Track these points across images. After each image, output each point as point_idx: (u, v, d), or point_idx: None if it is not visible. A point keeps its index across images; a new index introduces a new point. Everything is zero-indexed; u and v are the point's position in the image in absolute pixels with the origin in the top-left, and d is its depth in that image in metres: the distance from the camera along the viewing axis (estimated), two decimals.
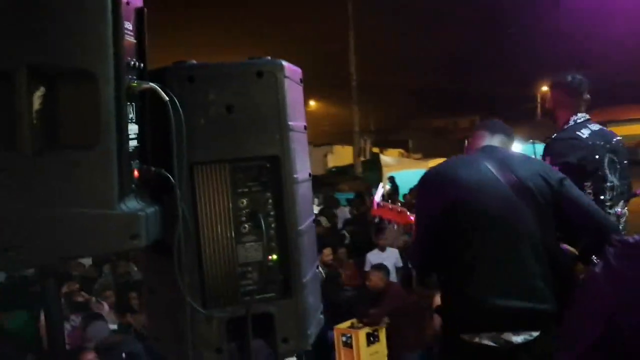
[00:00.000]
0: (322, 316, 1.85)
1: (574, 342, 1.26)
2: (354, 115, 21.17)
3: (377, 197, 2.95)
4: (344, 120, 25.87)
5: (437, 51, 30.26)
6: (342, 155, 24.60)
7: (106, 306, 5.82)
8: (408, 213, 2.88)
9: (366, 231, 9.69)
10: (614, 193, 3.23)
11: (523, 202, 2.33)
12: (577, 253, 2.45)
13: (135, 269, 7.06)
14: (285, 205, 1.66)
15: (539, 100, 30.77)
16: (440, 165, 2.62)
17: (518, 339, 2.29)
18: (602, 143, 3.26)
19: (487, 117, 2.89)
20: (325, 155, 24.65)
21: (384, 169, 17.55)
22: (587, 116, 3.38)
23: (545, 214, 2.36)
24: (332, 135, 27.23)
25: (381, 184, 3.08)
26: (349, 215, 11.74)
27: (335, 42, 23.04)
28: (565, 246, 2.49)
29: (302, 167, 1.76)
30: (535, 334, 2.29)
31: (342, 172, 20.60)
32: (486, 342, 2.29)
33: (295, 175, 1.68)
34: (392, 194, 11.82)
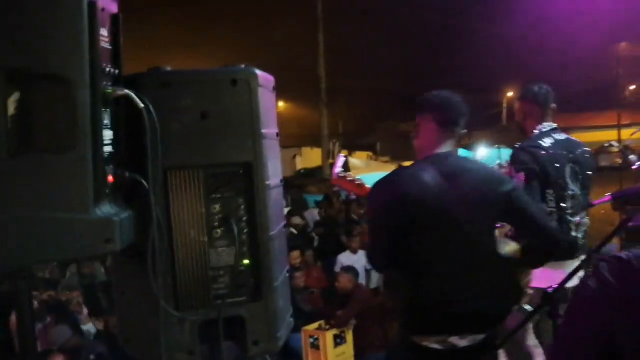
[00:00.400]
0: (291, 319, 1.89)
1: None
2: (323, 118, 21.24)
3: (337, 168, 2.94)
4: (313, 122, 25.94)
5: (406, 57, 30.62)
6: (310, 158, 24.66)
7: (85, 309, 5.79)
8: (367, 185, 2.88)
9: (335, 233, 9.76)
10: (575, 201, 3.34)
11: (472, 214, 2.39)
12: (519, 252, 2.56)
13: (102, 270, 6.98)
14: (257, 210, 1.70)
15: (504, 105, 31.36)
16: (391, 175, 2.59)
17: (463, 342, 2.38)
18: (564, 152, 3.35)
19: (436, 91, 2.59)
20: (294, 157, 24.67)
21: (353, 172, 17.64)
22: (554, 125, 3.46)
23: (487, 228, 2.45)
24: (301, 137, 27.24)
25: (341, 154, 3.05)
26: (318, 217, 11.80)
27: (305, 44, 23.10)
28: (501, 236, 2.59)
29: (274, 173, 1.80)
30: (481, 336, 2.40)
31: (311, 174, 20.68)
32: (434, 345, 2.38)
33: (267, 182, 1.72)
34: None
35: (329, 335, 5.53)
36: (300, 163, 24.61)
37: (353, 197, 10.47)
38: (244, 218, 1.70)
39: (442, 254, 2.40)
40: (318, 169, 21.64)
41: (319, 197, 13.66)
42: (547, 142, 3.36)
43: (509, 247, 2.54)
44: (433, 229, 2.39)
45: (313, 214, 12.25)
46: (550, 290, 1.87)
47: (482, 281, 2.41)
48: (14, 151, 1.28)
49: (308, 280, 7.40)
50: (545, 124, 3.44)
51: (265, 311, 1.70)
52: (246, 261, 1.70)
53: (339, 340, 5.61)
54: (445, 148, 2.51)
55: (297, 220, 10.41)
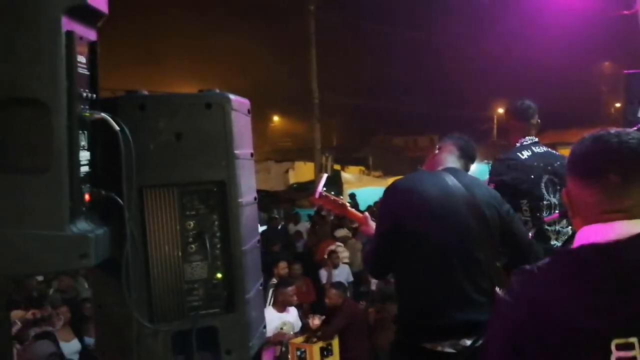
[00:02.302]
0: (264, 330, 1.97)
1: None
2: (316, 132, 21.36)
3: (320, 187, 3.03)
4: (306, 136, 26.08)
5: (399, 74, 30.99)
6: (303, 172, 24.72)
7: (62, 319, 5.84)
8: (348, 206, 3.01)
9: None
10: (552, 211, 3.45)
11: (479, 226, 2.55)
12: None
13: (86, 286, 7.02)
14: (230, 226, 1.78)
15: (495, 121, 31.77)
16: (406, 179, 2.76)
17: (469, 342, 2.51)
18: (541, 165, 3.49)
19: (460, 132, 2.97)
20: (287, 172, 24.74)
21: (345, 186, 17.77)
22: (535, 139, 3.63)
23: (494, 238, 2.62)
24: (294, 152, 27.37)
25: (324, 174, 3.13)
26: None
27: (299, 59, 23.31)
28: None
29: (248, 191, 1.88)
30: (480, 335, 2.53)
31: (303, 188, 20.72)
32: (448, 349, 2.50)
33: (240, 199, 1.80)
34: None
35: (316, 348, 5.60)
36: (293, 177, 24.69)
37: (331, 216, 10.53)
38: (218, 234, 1.79)
39: (453, 258, 2.51)
40: (310, 183, 21.73)
41: (311, 212, 13.72)
42: (524, 154, 3.52)
43: None
44: (444, 237, 2.51)
45: (306, 227, 12.35)
46: None
47: (484, 287, 2.55)
48: None
49: (298, 295, 7.41)
50: (527, 137, 3.60)
51: (237, 322, 1.78)
52: (219, 275, 1.78)
53: (326, 352, 5.67)
54: (457, 165, 2.77)
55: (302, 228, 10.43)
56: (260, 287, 1.97)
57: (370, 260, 2.77)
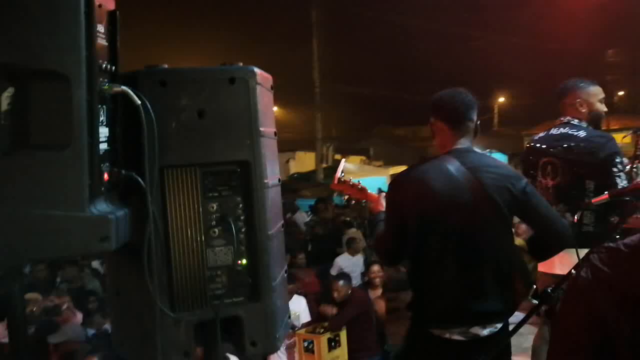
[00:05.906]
0: (290, 319, 1.87)
1: (575, 351, 1.28)
2: (317, 122, 21.24)
3: (339, 173, 2.99)
4: (307, 127, 25.93)
5: (397, 63, 30.90)
6: (304, 162, 24.62)
7: (79, 316, 5.74)
8: (368, 190, 2.94)
9: (329, 237, 9.74)
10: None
11: (489, 213, 2.44)
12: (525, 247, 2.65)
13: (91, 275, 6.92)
14: (255, 209, 1.68)
15: (496, 111, 31.71)
16: (409, 172, 2.63)
17: (485, 332, 2.44)
18: (544, 147, 3.48)
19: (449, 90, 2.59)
20: (288, 162, 24.62)
21: (346, 175, 17.64)
22: (564, 119, 3.52)
23: (507, 222, 2.51)
24: (295, 142, 27.25)
25: (343, 160, 3.07)
26: (307, 220, 11.87)
27: (300, 49, 23.17)
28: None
29: (272, 172, 1.78)
30: (500, 325, 2.47)
31: (305, 178, 20.65)
32: (456, 337, 2.43)
33: (265, 180, 1.70)
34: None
35: (323, 339, 5.51)
36: (294, 167, 24.58)
37: (352, 202, 10.38)
38: (242, 217, 1.68)
39: (463, 246, 2.43)
40: (312, 173, 21.63)
41: (312, 202, 13.63)
42: (538, 135, 3.61)
43: (517, 241, 2.60)
44: (456, 221, 2.42)
45: (303, 217, 12.29)
46: (550, 289, 1.86)
47: (499, 274, 2.46)
48: (9, 148, 1.26)
49: (301, 285, 7.33)
50: (562, 118, 3.56)
51: (263, 311, 1.68)
52: (244, 261, 1.68)
53: (333, 343, 5.59)
54: (461, 144, 2.54)
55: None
56: (285, 275, 1.87)
57: (383, 250, 2.72)
